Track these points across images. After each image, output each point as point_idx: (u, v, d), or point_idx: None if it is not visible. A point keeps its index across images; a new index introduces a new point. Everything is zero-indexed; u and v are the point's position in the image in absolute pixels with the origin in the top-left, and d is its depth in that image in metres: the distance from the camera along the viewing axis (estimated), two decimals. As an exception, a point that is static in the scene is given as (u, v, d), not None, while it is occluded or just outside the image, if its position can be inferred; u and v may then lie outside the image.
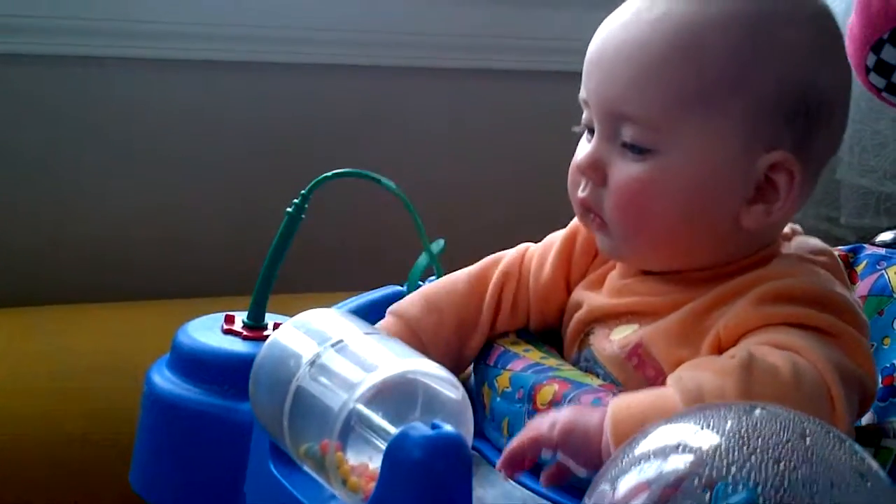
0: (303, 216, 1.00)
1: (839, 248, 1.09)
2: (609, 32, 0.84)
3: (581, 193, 0.86)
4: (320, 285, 1.56)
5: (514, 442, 0.76)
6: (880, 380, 0.99)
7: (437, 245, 1.03)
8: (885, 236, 1.17)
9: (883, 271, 1.04)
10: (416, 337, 0.91)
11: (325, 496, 0.80)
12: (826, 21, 0.84)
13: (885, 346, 1.01)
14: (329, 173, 1.00)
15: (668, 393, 0.74)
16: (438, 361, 0.79)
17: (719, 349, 0.79)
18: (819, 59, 0.82)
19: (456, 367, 0.90)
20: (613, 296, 0.89)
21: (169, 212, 1.70)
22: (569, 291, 0.94)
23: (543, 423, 0.75)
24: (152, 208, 1.69)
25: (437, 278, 1.04)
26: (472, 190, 1.77)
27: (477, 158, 1.81)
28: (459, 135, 1.81)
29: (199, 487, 0.97)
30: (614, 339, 0.87)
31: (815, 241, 0.89)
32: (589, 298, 0.91)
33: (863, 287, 1.04)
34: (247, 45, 1.68)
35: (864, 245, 1.09)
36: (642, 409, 0.73)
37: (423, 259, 1.03)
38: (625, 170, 0.82)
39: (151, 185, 1.68)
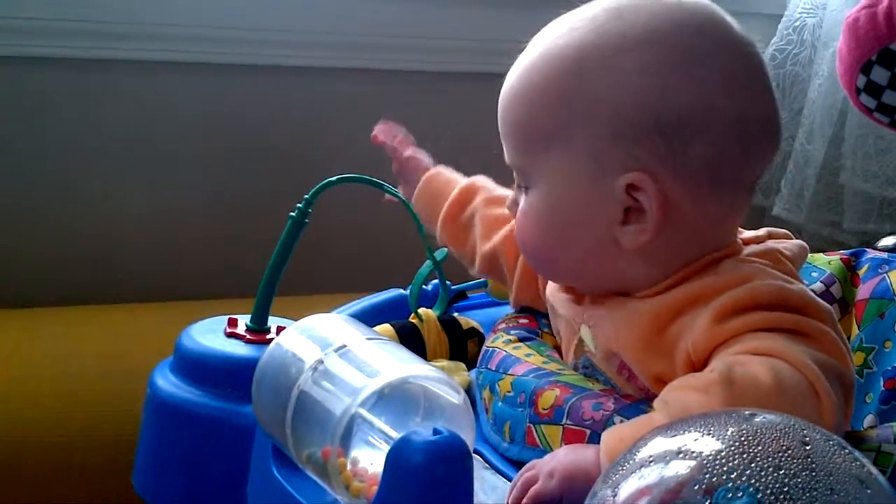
0: (307, 221, 1.00)
1: (842, 251, 1.10)
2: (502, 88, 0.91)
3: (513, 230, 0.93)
4: (324, 288, 1.56)
5: (512, 500, 0.77)
6: (882, 383, 1.00)
7: (441, 253, 1.04)
8: (887, 241, 1.17)
9: (885, 275, 1.04)
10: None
11: (327, 501, 0.80)
12: (663, 44, 0.82)
13: (887, 350, 1.01)
14: (333, 178, 1.00)
15: (657, 419, 0.74)
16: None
17: (693, 367, 0.80)
18: (660, 79, 0.81)
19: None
20: (570, 303, 0.92)
21: (173, 214, 1.70)
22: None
23: (541, 474, 0.76)
24: (156, 210, 1.69)
25: (441, 284, 1.05)
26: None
27: (477, 162, 1.81)
28: (460, 138, 1.81)
29: (202, 490, 0.97)
30: (592, 350, 0.88)
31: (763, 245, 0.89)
32: (557, 303, 0.94)
33: (864, 290, 1.05)
34: (250, 48, 1.69)
35: (866, 249, 1.09)
36: (634, 439, 0.72)
37: (426, 265, 1.03)
38: (519, 205, 0.89)
39: (155, 188, 1.69)
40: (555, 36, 0.86)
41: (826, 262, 1.09)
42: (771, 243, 0.88)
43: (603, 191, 0.83)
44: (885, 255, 1.08)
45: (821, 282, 1.07)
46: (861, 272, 1.07)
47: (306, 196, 1.00)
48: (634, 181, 0.81)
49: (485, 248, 1.02)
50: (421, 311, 1.02)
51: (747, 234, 0.91)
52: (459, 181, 1.07)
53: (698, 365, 0.79)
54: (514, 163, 0.89)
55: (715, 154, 0.82)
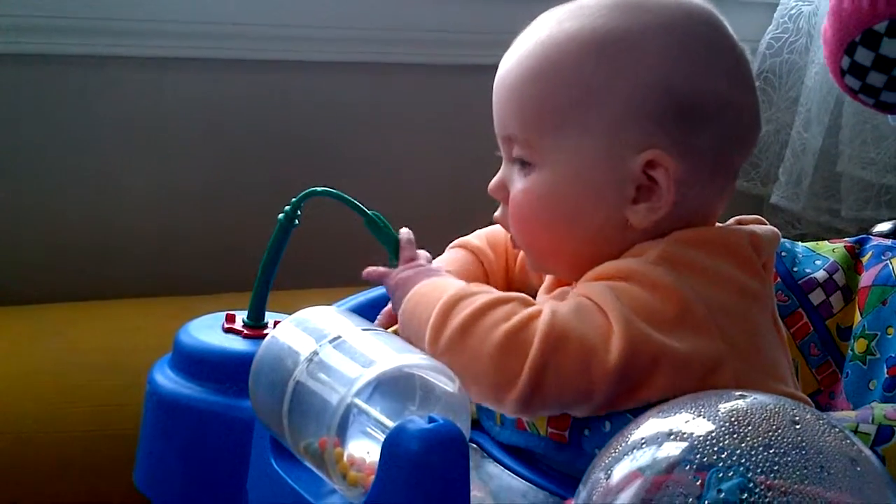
0: (297, 222, 0.99)
1: (846, 239, 1.10)
2: (500, 67, 0.91)
3: (496, 214, 0.93)
4: (320, 282, 1.57)
5: (377, 270, 0.94)
6: (886, 370, 1.00)
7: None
8: (883, 226, 1.18)
9: (888, 262, 1.05)
10: (477, 262, 1.00)
11: (326, 490, 0.81)
12: (683, 27, 0.86)
13: (889, 336, 1.02)
14: (318, 189, 0.97)
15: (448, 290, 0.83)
16: (500, 287, 0.94)
17: None
18: (676, 62, 0.85)
19: (512, 288, 0.99)
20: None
21: (171, 209, 1.70)
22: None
23: (392, 276, 0.92)
24: (155, 206, 1.69)
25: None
26: (470, 186, 1.77)
27: (475, 154, 1.82)
28: (458, 131, 1.81)
29: (202, 485, 0.97)
30: None
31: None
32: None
33: (867, 277, 1.05)
34: (249, 43, 1.69)
35: (870, 236, 1.10)
36: (424, 292, 0.86)
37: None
38: (517, 185, 0.89)
39: (153, 183, 1.69)
40: (563, 19, 0.87)
41: (830, 250, 1.09)
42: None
43: (617, 169, 0.84)
44: (888, 241, 1.08)
45: (824, 270, 1.08)
46: (864, 259, 1.07)
47: (293, 199, 0.99)
48: (654, 158, 0.84)
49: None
50: None
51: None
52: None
53: None
54: (519, 139, 0.88)
55: (718, 141, 0.86)
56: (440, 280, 0.89)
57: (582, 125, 0.85)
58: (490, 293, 0.82)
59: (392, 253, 0.97)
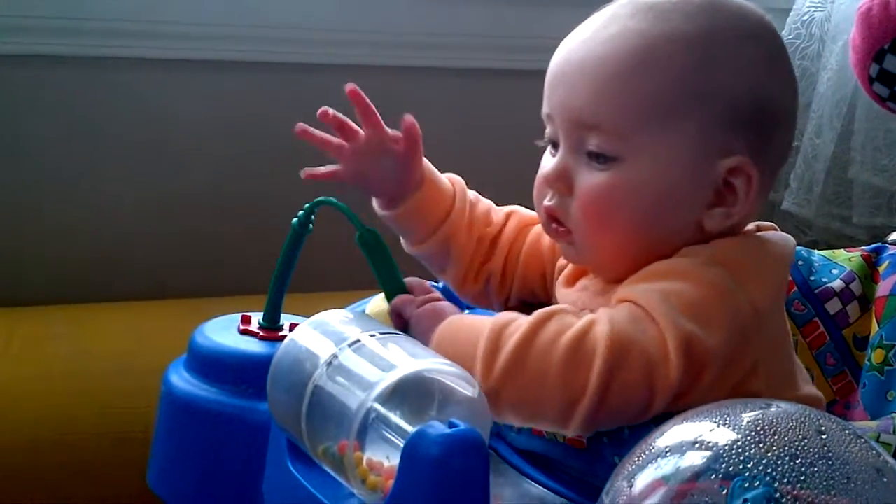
0: (310, 227, 0.99)
1: (863, 248, 1.10)
2: (569, 50, 0.88)
3: (547, 202, 0.89)
4: (336, 284, 1.56)
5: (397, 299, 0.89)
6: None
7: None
8: (897, 235, 1.17)
9: (905, 272, 1.04)
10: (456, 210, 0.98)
11: (343, 494, 0.81)
12: (771, 36, 0.88)
13: (906, 347, 1.02)
14: (329, 199, 0.95)
15: (484, 324, 0.81)
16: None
17: None
18: (767, 70, 0.87)
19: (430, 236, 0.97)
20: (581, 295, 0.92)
21: (181, 210, 1.71)
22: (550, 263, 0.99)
23: (412, 304, 0.88)
24: (164, 207, 1.70)
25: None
26: (473, 188, 1.77)
27: (481, 158, 1.82)
28: (463, 134, 1.81)
29: (217, 487, 0.97)
30: None
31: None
32: (564, 297, 0.93)
33: (884, 287, 1.05)
34: (257, 45, 1.69)
35: (887, 245, 1.09)
36: (460, 326, 0.83)
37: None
38: (590, 178, 0.86)
39: (163, 185, 1.69)
40: (658, 11, 0.85)
41: (847, 259, 1.09)
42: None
43: (703, 172, 0.85)
44: (906, 250, 1.08)
45: (840, 279, 1.07)
46: (881, 269, 1.07)
47: (306, 205, 0.98)
48: (739, 165, 0.84)
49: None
50: None
51: None
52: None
53: None
54: (607, 129, 0.84)
55: (782, 149, 0.89)
56: (470, 314, 0.88)
57: (680, 124, 0.84)
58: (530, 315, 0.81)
59: (377, 275, 0.92)
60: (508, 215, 1.02)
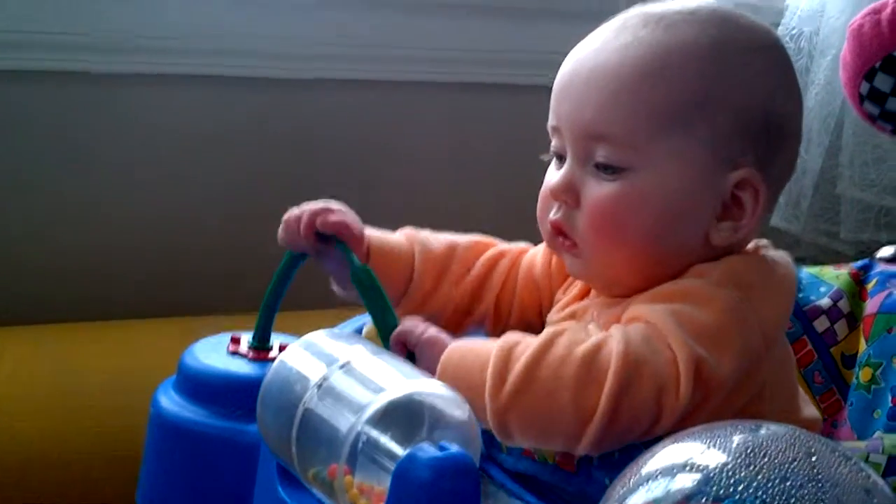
0: (306, 255, 0.98)
1: (851, 265, 1.10)
2: (578, 60, 0.88)
3: (553, 216, 0.88)
4: (326, 302, 1.56)
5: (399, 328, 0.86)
6: (890, 399, 1.00)
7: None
8: (886, 251, 1.17)
9: (892, 290, 1.04)
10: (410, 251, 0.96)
11: (333, 518, 0.80)
12: (779, 50, 0.89)
13: (895, 365, 1.02)
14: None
15: (491, 346, 0.80)
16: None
17: None
18: (775, 83, 0.87)
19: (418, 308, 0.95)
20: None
21: (174, 228, 1.70)
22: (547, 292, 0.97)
23: (418, 325, 0.86)
24: (158, 225, 1.69)
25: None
26: (470, 203, 1.78)
27: (479, 173, 1.82)
28: (461, 149, 1.81)
29: (207, 509, 0.97)
30: None
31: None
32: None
33: (872, 305, 1.05)
34: (253, 60, 1.68)
35: (876, 262, 1.09)
36: (466, 350, 0.82)
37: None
38: (598, 189, 0.85)
39: (157, 202, 1.69)
40: (666, 23, 0.85)
41: (834, 277, 1.09)
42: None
43: (712, 184, 0.84)
44: (893, 268, 1.08)
45: (828, 297, 1.08)
46: (869, 286, 1.07)
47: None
48: (747, 177, 0.84)
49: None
50: None
51: None
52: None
53: None
54: (617, 139, 0.84)
55: (789, 164, 0.89)
56: (475, 338, 0.87)
57: (690, 134, 0.84)
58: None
59: (371, 313, 0.90)
60: (491, 256, 0.99)
